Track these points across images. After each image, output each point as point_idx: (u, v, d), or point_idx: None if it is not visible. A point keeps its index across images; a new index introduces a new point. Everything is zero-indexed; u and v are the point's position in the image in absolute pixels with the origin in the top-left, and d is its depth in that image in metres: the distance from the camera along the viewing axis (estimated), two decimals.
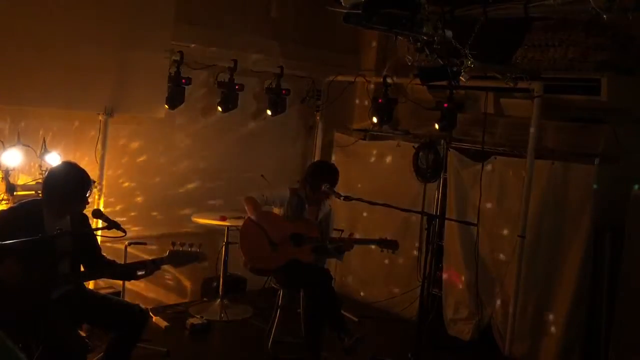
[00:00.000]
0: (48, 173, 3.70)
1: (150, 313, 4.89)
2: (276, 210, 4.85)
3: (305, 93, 6.49)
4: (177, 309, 5.69)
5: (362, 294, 6.40)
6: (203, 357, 4.99)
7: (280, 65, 5.95)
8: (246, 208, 4.72)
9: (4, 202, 4.34)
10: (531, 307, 5.10)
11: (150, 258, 3.75)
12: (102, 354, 3.68)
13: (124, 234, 3.52)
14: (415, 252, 5.93)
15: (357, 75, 6.31)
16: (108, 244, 4.66)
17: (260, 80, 6.05)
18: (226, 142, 6.12)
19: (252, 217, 4.69)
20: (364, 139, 6.51)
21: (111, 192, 5.27)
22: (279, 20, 5.95)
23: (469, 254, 5.42)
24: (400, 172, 6.02)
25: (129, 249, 4.90)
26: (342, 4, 3.24)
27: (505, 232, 5.25)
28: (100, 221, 3.65)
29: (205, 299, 5.94)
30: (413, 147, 5.80)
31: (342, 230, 5.16)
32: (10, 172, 4.39)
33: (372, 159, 6.38)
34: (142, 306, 3.76)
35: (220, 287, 5.74)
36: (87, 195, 3.55)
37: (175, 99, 5.26)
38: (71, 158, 4.49)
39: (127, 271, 3.72)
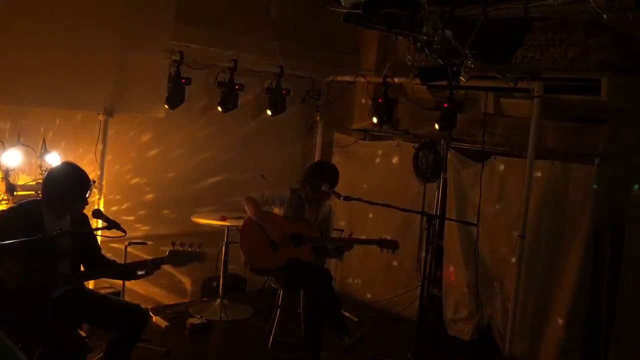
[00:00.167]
0: (48, 173, 3.70)
1: (150, 313, 4.90)
2: (276, 210, 4.86)
3: (305, 93, 6.49)
4: (177, 309, 5.69)
5: (362, 294, 6.40)
6: (203, 357, 4.99)
7: (280, 65, 5.95)
8: (246, 208, 4.72)
9: (4, 202, 4.34)
10: (531, 307, 5.09)
11: (150, 258, 3.75)
12: (102, 354, 3.68)
13: (124, 234, 3.52)
14: (416, 252, 5.93)
15: (357, 75, 6.31)
16: (110, 245, 4.68)
17: (260, 80, 6.04)
18: (226, 142, 6.12)
19: (253, 217, 4.70)
20: (364, 139, 6.51)
21: (111, 190, 5.28)
22: (279, 20, 5.95)
23: (469, 254, 5.42)
24: (400, 172, 6.02)
25: (128, 249, 4.90)
26: (342, 4, 3.24)
27: (505, 232, 5.24)
28: (100, 221, 3.65)
29: (205, 299, 5.94)
30: (413, 147, 5.80)
31: (342, 230, 5.17)
32: (10, 172, 4.40)
33: (372, 159, 6.38)
34: (142, 306, 3.77)
35: (220, 287, 5.74)
36: (86, 195, 3.55)
37: (175, 99, 5.27)
38: (71, 158, 4.50)
39: (127, 271, 3.73)
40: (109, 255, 3.86)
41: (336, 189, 4.72)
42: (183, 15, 5.06)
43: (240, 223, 4.92)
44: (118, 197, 5.45)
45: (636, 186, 4.47)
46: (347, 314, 5.19)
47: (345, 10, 3.23)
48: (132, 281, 4.85)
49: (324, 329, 4.52)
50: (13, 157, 4.40)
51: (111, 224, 3.51)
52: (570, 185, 4.89)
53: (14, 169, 4.43)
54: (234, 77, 5.59)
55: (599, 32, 4.77)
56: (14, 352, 2.11)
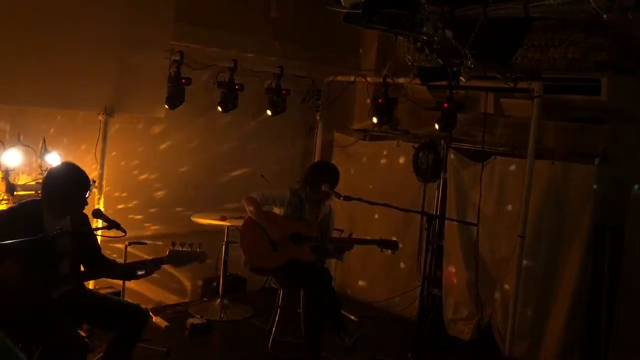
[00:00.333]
0: (47, 173, 3.70)
1: (150, 313, 4.90)
2: (276, 210, 4.86)
3: (305, 93, 6.49)
4: (177, 309, 5.69)
5: (362, 293, 6.40)
6: (203, 357, 4.99)
7: (280, 65, 5.95)
8: (246, 208, 4.73)
9: (4, 202, 4.34)
10: (531, 307, 5.09)
11: (150, 258, 3.75)
12: (102, 354, 3.68)
13: (124, 234, 3.52)
14: (416, 252, 5.94)
15: (357, 75, 6.31)
16: (110, 245, 4.68)
17: (260, 80, 6.04)
18: (226, 142, 6.12)
19: (253, 216, 4.70)
20: (364, 139, 6.50)
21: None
22: (279, 20, 5.95)
23: (469, 254, 5.42)
24: (400, 172, 6.02)
25: (128, 249, 4.90)
26: (342, 4, 3.24)
27: (505, 232, 5.24)
28: (100, 221, 3.65)
29: (205, 299, 5.94)
30: (413, 147, 5.80)
31: (342, 230, 5.16)
32: (10, 172, 4.40)
33: (372, 159, 6.38)
34: (142, 306, 3.77)
35: (220, 287, 5.74)
36: (86, 195, 3.55)
37: (175, 99, 5.26)
38: (71, 158, 4.50)
39: (127, 271, 3.73)
40: (114, 256, 3.86)
41: (336, 189, 4.73)
42: (183, 15, 5.06)
43: (240, 223, 4.93)
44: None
45: (636, 186, 4.47)
46: (347, 314, 5.19)
47: (345, 10, 3.23)
48: (132, 281, 4.85)
49: (323, 328, 4.52)
50: (13, 157, 4.40)
51: (111, 224, 3.51)
52: (570, 185, 4.89)
53: (14, 169, 4.43)
54: (234, 77, 5.59)
55: (599, 32, 4.77)
56: (14, 352, 2.11)
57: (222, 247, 5.65)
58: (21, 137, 4.56)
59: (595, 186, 4.73)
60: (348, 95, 6.59)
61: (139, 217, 5.56)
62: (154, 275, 3.71)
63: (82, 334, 4.23)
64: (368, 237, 5.00)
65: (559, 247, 4.95)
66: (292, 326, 4.95)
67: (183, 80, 5.28)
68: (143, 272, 3.59)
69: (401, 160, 6.04)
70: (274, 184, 5.71)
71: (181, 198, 5.83)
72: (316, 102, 6.56)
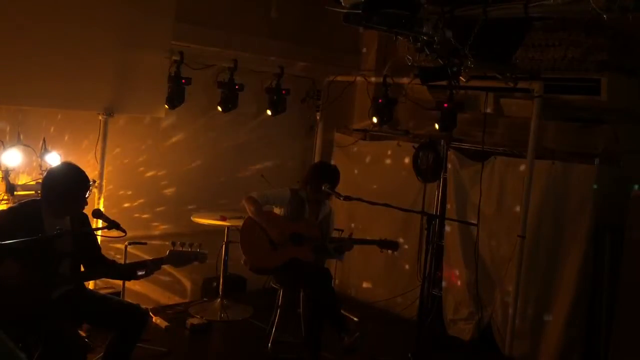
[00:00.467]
0: (47, 174, 3.70)
1: (150, 313, 4.90)
2: (277, 210, 4.86)
3: (305, 93, 6.49)
4: (177, 309, 5.69)
5: (362, 293, 6.40)
6: (203, 357, 4.99)
7: (280, 65, 5.95)
8: (247, 207, 4.72)
9: (4, 202, 4.34)
10: (531, 307, 5.10)
11: (150, 258, 3.75)
12: (102, 354, 3.68)
13: (124, 234, 3.52)
14: (416, 252, 5.93)
15: (357, 75, 6.31)
16: (110, 245, 4.68)
17: (260, 80, 6.05)
18: (226, 142, 6.12)
19: (253, 216, 4.70)
20: (364, 139, 6.50)
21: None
22: (279, 20, 5.94)
23: (469, 254, 5.42)
24: (400, 172, 6.02)
25: (129, 249, 4.90)
26: (342, 4, 3.24)
27: (505, 232, 5.24)
28: (100, 221, 3.65)
29: (205, 299, 5.94)
30: (413, 147, 5.80)
31: (342, 230, 5.16)
32: (10, 172, 4.39)
33: (372, 159, 6.38)
34: (142, 306, 3.77)
35: (220, 287, 5.74)
36: (85, 195, 3.55)
37: (175, 99, 5.27)
38: (71, 158, 4.50)
39: (127, 271, 3.72)
40: (117, 256, 3.85)
41: (337, 189, 4.73)
42: (183, 15, 5.06)
43: (240, 223, 4.92)
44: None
45: (636, 186, 4.47)
46: (347, 314, 5.19)
47: (345, 10, 3.23)
48: (132, 281, 4.85)
49: (323, 328, 4.52)
50: (13, 157, 4.40)
51: (111, 224, 3.52)
52: (570, 185, 4.89)
53: (14, 169, 4.43)
54: (234, 77, 5.59)
55: (599, 32, 4.77)
56: (14, 352, 2.11)
57: (222, 247, 5.64)
58: (21, 137, 4.57)
59: (595, 186, 4.73)
60: (348, 95, 6.59)
61: (138, 215, 5.55)
62: (154, 275, 3.70)
63: (82, 334, 4.24)
64: (368, 237, 5.01)
65: (559, 247, 4.95)
66: (292, 326, 4.96)
67: (183, 80, 5.28)
68: (143, 273, 3.59)
69: (401, 160, 6.03)
70: (274, 184, 5.71)
71: (181, 197, 5.83)
72: (316, 102, 6.56)
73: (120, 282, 4.89)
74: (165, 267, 3.74)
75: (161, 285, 5.70)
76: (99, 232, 3.93)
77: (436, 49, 3.47)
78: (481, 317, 5.40)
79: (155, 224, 5.67)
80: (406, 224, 5.94)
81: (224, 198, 6.02)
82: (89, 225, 3.74)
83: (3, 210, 3.92)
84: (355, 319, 5.65)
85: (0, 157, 4.38)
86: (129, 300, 4.26)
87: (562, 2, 2.85)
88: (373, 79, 6.34)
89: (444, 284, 5.71)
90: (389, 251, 4.90)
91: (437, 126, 5.47)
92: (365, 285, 6.39)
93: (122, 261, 4.67)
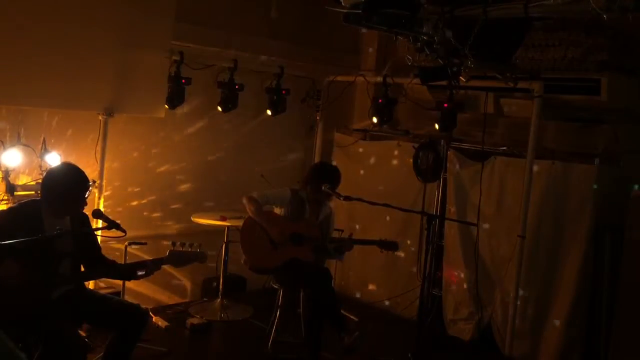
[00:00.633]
0: (46, 174, 3.70)
1: (150, 313, 4.89)
2: (277, 210, 4.86)
3: (305, 93, 6.49)
4: (177, 309, 5.69)
5: (362, 294, 6.40)
6: (203, 357, 4.99)
7: (280, 65, 5.95)
8: (247, 207, 4.72)
9: (4, 202, 4.33)
10: (531, 307, 5.10)
11: (150, 258, 3.75)
12: (102, 354, 3.68)
13: (124, 234, 3.52)
14: (416, 252, 5.93)
15: (357, 75, 6.31)
16: (110, 245, 4.67)
17: (260, 80, 6.05)
18: (226, 142, 6.12)
19: (253, 216, 4.69)
20: (364, 139, 6.50)
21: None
22: (279, 20, 5.95)
23: (469, 254, 5.42)
24: (400, 172, 6.02)
25: (128, 249, 4.90)
26: (342, 4, 3.24)
27: (505, 232, 5.24)
28: (100, 221, 3.65)
29: (205, 299, 5.94)
30: (413, 147, 5.80)
31: (342, 230, 5.17)
32: (10, 172, 4.39)
33: (372, 159, 6.38)
34: (142, 306, 3.77)
35: (220, 287, 5.74)
36: (85, 195, 3.55)
37: (175, 99, 5.27)
38: (71, 158, 4.50)
39: (127, 271, 3.72)
40: (116, 254, 3.85)
41: (337, 190, 4.73)
42: (183, 15, 5.06)
43: (240, 223, 4.92)
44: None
45: (636, 186, 4.47)
46: (347, 314, 5.19)
47: (345, 10, 3.23)
48: (132, 281, 4.85)
49: (323, 328, 4.51)
50: (13, 157, 4.40)
51: (111, 224, 3.51)
52: (570, 185, 4.89)
53: (14, 169, 4.43)
54: (234, 77, 5.59)
55: (599, 32, 4.77)
56: (14, 352, 2.11)
57: (222, 247, 5.64)
58: (21, 137, 4.57)
59: (595, 186, 4.73)
60: (348, 95, 6.58)
61: (137, 214, 5.55)
62: (154, 275, 3.70)
63: (82, 334, 4.24)
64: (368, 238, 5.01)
65: (559, 247, 4.95)
66: (292, 326, 4.96)
67: (183, 80, 5.28)
68: (143, 273, 3.59)
69: (401, 160, 6.03)
70: (274, 184, 5.71)
71: (180, 197, 5.83)
72: (316, 102, 6.56)
73: (120, 282, 4.89)
74: (165, 267, 3.73)
75: (161, 285, 5.70)
76: (99, 232, 3.93)
77: (436, 49, 3.47)
78: (481, 317, 5.41)
79: (155, 223, 5.67)
80: (406, 224, 5.94)
81: (224, 198, 6.02)
82: (89, 225, 3.74)
83: (3, 210, 3.92)
84: (355, 319, 5.66)
85: (0, 157, 4.38)
86: (129, 300, 4.26)
87: (562, 2, 2.85)
88: (373, 79, 6.34)
89: (444, 284, 5.71)
90: (389, 252, 4.91)
91: (437, 126, 5.47)
92: (365, 285, 6.38)
93: (122, 261, 4.66)
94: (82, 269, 3.62)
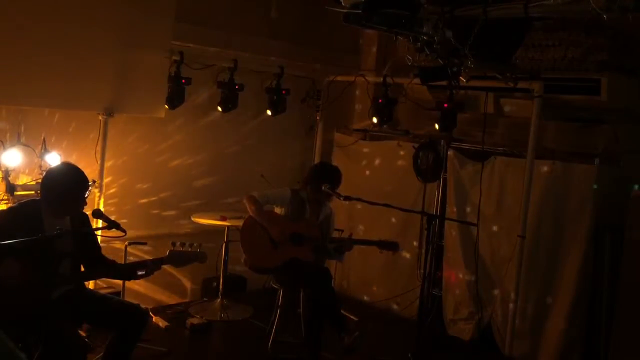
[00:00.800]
0: (46, 174, 3.70)
1: (150, 313, 4.90)
2: (277, 210, 4.86)
3: (305, 93, 6.49)
4: (177, 309, 5.69)
5: (362, 294, 6.39)
6: (203, 357, 4.99)
7: (280, 65, 5.95)
8: (247, 207, 4.72)
9: (4, 202, 4.33)
10: (531, 307, 5.09)
11: (150, 258, 3.75)
12: (102, 354, 3.68)
13: (124, 234, 3.52)
14: (416, 253, 5.93)
15: (357, 75, 6.31)
16: (110, 245, 4.67)
17: (260, 80, 6.05)
18: (226, 142, 6.12)
19: (253, 215, 4.70)
20: (364, 139, 6.50)
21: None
22: (279, 20, 5.95)
23: (469, 254, 5.42)
24: (400, 172, 6.02)
25: (128, 249, 4.90)
26: (342, 4, 3.24)
27: (505, 232, 5.24)
28: (100, 221, 3.65)
29: (205, 299, 5.94)
30: (413, 147, 5.80)
31: (342, 230, 5.17)
32: (10, 172, 4.39)
33: (372, 159, 6.38)
34: (142, 306, 3.77)
35: (220, 287, 5.74)
36: (85, 195, 3.55)
37: (175, 99, 5.27)
38: (71, 158, 4.50)
39: (127, 271, 3.72)
40: (119, 254, 3.85)
41: (337, 190, 4.73)
42: (183, 15, 5.06)
43: (240, 223, 4.92)
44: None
45: (636, 186, 4.47)
46: (347, 314, 5.19)
47: (345, 10, 3.23)
48: (132, 281, 4.85)
49: (323, 328, 4.52)
50: (13, 157, 4.40)
51: (111, 224, 3.51)
52: (570, 185, 4.89)
53: (14, 169, 4.43)
54: (234, 77, 5.59)
55: (599, 32, 4.77)
56: (14, 352, 2.11)
57: (222, 247, 5.64)
58: (21, 137, 4.56)
59: (595, 186, 4.73)
60: (348, 95, 6.59)
61: (137, 214, 5.54)
62: (154, 275, 3.70)
63: (82, 334, 4.24)
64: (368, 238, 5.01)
65: (559, 247, 4.95)
66: (292, 326, 4.96)
67: (183, 80, 5.28)
68: (143, 273, 3.59)
69: (401, 160, 6.03)
70: (274, 184, 5.71)
71: (181, 196, 5.83)
72: (316, 102, 6.56)
73: (120, 282, 4.89)
74: (165, 267, 3.73)
75: (161, 285, 5.70)
76: (99, 232, 3.93)
77: (436, 49, 3.47)
78: (481, 317, 5.40)
79: (155, 223, 5.67)
80: (406, 224, 5.94)
81: (224, 198, 6.02)
82: (89, 225, 3.74)
83: (3, 210, 3.92)
84: (355, 319, 5.66)
85: (0, 157, 4.38)
86: (129, 300, 4.26)
87: (562, 2, 2.85)
88: (373, 79, 6.34)
89: (444, 284, 5.70)
90: (389, 252, 4.91)
91: (437, 126, 5.47)
92: (365, 285, 6.38)
93: (122, 261, 4.66)
94: (82, 269, 3.62)
